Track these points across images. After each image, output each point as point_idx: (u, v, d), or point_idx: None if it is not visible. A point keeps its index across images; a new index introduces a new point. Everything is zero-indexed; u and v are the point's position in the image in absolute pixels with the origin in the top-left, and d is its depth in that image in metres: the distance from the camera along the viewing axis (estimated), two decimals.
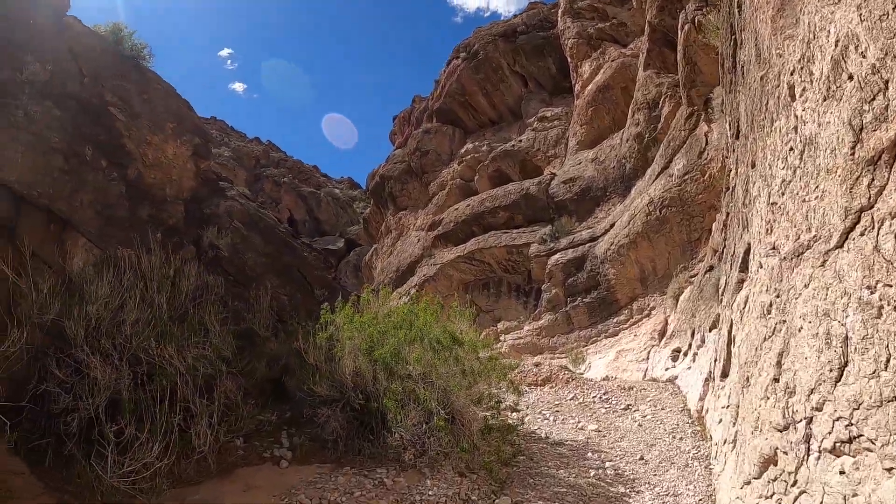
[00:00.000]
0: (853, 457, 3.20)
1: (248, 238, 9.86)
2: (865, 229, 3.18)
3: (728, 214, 8.21)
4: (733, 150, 7.29)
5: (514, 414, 8.85)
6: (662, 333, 14.47)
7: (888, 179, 3.04)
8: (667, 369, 12.31)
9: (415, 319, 8.33)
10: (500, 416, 8.15)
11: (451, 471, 6.85)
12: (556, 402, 10.69)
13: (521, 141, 25.53)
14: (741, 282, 6.20)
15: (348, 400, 7.40)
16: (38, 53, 7.35)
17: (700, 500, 6.51)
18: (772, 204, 4.69)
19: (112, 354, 6.26)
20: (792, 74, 4.21)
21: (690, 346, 11.43)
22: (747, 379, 5.18)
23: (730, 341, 6.70)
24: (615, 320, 16.87)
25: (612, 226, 18.05)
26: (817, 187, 3.75)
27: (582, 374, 14.75)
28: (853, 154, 3.30)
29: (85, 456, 5.45)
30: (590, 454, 8.05)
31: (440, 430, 6.79)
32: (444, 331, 8.05)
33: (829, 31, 3.62)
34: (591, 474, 7.35)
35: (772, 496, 4.28)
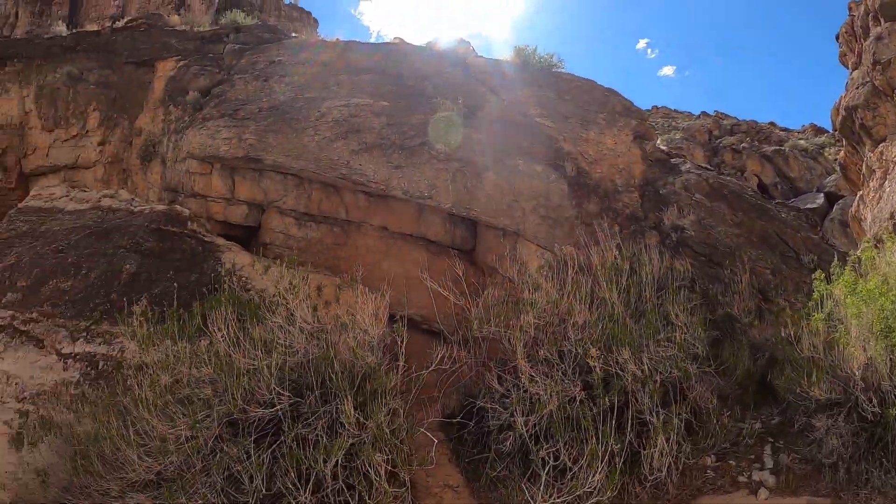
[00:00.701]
0: None
1: (713, 210, 8.33)
2: None
3: None
4: None
5: None
6: None
7: None
8: None
9: None
10: None
11: None
12: None
13: None
14: None
15: (855, 405, 5.08)
16: (450, 94, 7.88)
17: None
18: None
19: (556, 365, 5.76)
20: None
21: None
22: None
23: None
24: None
25: None
26: None
27: None
28: None
29: (520, 476, 5.06)
30: None
31: None
32: None
33: None
34: None
35: None
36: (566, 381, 5.36)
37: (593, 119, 8.66)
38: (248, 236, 8.56)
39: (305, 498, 4.32)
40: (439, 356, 5.42)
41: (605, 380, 5.40)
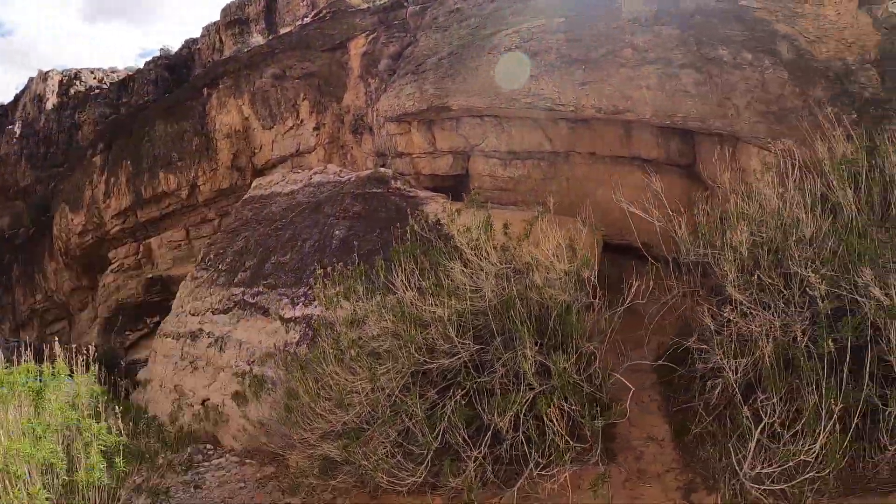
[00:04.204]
0: None
1: None
2: None
3: None
4: None
5: None
6: None
7: None
8: None
9: None
10: None
11: None
12: None
13: None
14: None
15: None
16: None
17: None
18: None
19: (779, 293, 4.48)
20: None
21: None
22: None
23: None
24: None
25: None
26: None
27: None
28: None
29: (730, 434, 4.01)
30: None
31: None
32: None
33: None
34: None
35: None
36: (790, 314, 4.05)
37: None
38: (457, 185, 8.47)
39: (481, 451, 3.88)
40: (636, 288, 4.50)
41: (839, 311, 3.99)
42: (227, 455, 6.86)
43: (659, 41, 6.63)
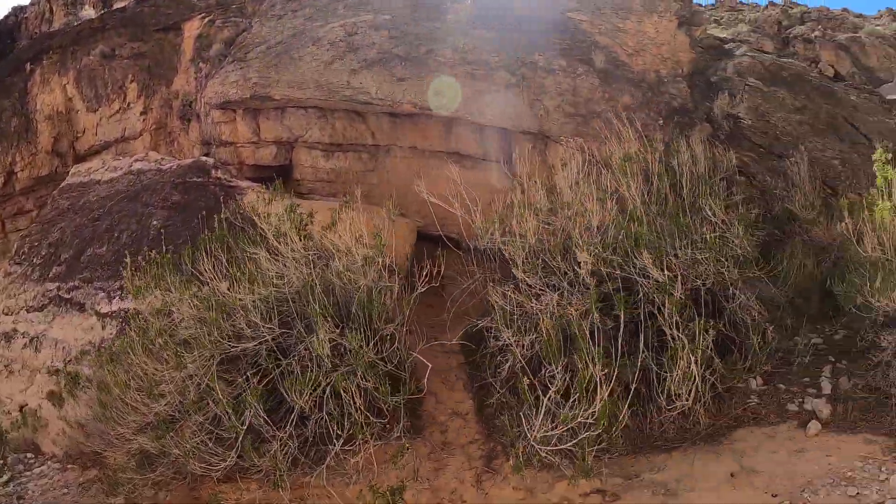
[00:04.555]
0: None
1: (770, 95, 7.46)
2: None
3: None
4: None
5: None
6: None
7: None
8: None
9: None
10: None
11: None
12: None
13: None
14: None
15: None
16: None
17: None
18: None
19: (564, 274, 5.06)
20: None
21: None
22: None
23: None
24: None
25: None
26: None
27: None
28: None
29: (521, 404, 4.53)
30: None
31: None
32: None
33: None
34: None
35: None
36: (575, 295, 4.67)
37: (629, 6, 7.76)
38: (281, 176, 8.45)
39: (285, 432, 4.11)
40: (436, 274, 4.93)
41: (623, 291, 4.66)
42: (49, 462, 6.53)
43: (480, 44, 7.09)
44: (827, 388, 4.52)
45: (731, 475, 3.90)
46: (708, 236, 4.77)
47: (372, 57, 7.13)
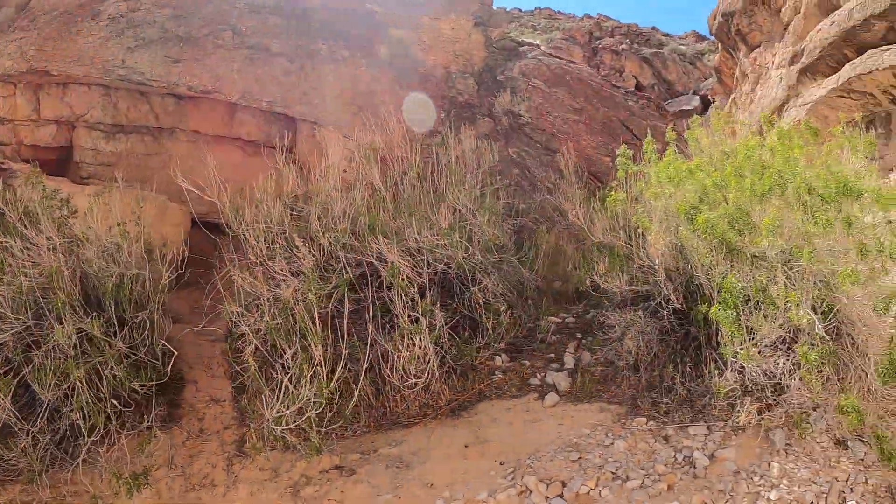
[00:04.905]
0: None
1: (551, 96, 8.00)
2: None
3: None
4: None
5: None
6: None
7: None
8: None
9: (770, 159, 4.55)
10: None
11: (826, 438, 3.52)
12: None
13: None
14: None
15: (666, 301, 4.54)
16: None
17: None
18: None
19: (304, 261, 5.10)
20: None
21: None
22: None
23: None
24: None
25: None
26: None
27: None
28: None
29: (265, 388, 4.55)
30: None
31: (810, 362, 3.35)
32: (823, 173, 4.10)
33: None
34: None
35: None
36: (315, 281, 4.77)
37: (429, 3, 8.03)
38: (62, 158, 7.79)
39: (35, 426, 3.95)
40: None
41: (374, 276, 4.84)
42: None
43: (264, 28, 7.00)
44: (570, 362, 5.01)
45: (465, 446, 4.21)
46: (458, 225, 5.08)
47: (150, 35, 6.79)
